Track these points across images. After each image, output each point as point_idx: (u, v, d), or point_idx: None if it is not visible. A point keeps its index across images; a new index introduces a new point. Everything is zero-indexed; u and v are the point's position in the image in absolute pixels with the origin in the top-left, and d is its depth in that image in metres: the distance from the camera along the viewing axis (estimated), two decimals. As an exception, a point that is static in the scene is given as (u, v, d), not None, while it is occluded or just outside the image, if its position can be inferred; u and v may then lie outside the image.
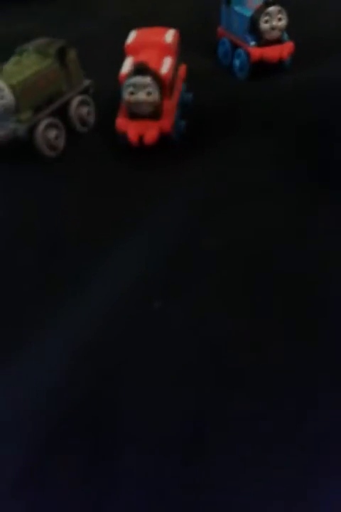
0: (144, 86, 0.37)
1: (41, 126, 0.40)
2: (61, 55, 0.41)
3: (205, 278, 0.30)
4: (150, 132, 0.38)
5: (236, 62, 0.51)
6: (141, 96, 0.37)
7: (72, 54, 0.42)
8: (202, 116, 0.45)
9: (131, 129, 0.39)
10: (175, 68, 0.41)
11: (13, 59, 0.40)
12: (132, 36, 0.42)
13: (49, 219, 0.36)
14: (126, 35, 0.64)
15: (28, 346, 0.26)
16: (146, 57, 0.39)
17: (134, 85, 0.37)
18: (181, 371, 0.25)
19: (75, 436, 0.22)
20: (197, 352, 0.25)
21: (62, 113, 0.42)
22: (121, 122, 0.40)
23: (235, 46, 0.51)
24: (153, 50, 0.40)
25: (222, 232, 0.33)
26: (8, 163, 0.41)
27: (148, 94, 0.37)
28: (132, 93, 0.38)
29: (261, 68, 0.49)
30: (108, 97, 0.45)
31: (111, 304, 0.28)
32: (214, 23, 0.58)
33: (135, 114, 0.39)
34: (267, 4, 0.46)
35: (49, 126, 0.41)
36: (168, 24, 0.46)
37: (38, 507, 0.20)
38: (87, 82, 0.44)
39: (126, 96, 0.38)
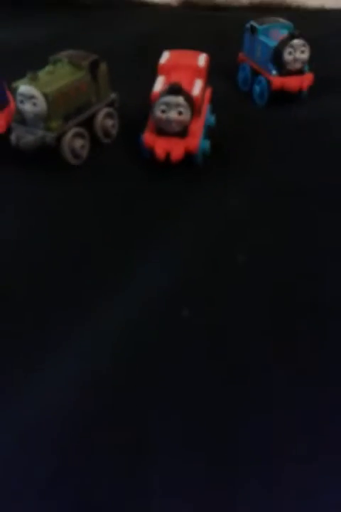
0: (176, 105, 0.38)
1: (69, 135, 0.41)
2: (93, 68, 0.42)
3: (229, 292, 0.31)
4: (177, 149, 0.40)
5: (257, 89, 0.52)
6: (173, 115, 0.39)
7: (103, 68, 0.43)
8: (222, 138, 0.46)
9: (158, 145, 0.40)
10: (204, 90, 0.43)
11: (47, 68, 0.41)
12: (165, 57, 0.43)
13: (72, 228, 0.36)
14: (140, 52, 0.65)
15: (56, 351, 0.27)
16: (179, 78, 0.40)
17: (167, 104, 0.39)
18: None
19: (105, 438, 0.23)
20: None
21: (87, 123, 0.43)
22: (149, 137, 0.41)
23: (256, 73, 0.52)
24: (185, 72, 0.41)
25: (247, 249, 0.34)
26: (33, 169, 0.42)
27: (180, 113, 0.39)
28: (164, 111, 0.39)
29: (279, 96, 0.51)
30: (124, 111, 0.47)
31: (136, 313, 0.30)
32: (231, 48, 0.61)
33: (163, 131, 0.40)
34: (292, 37, 0.48)
35: (76, 135, 0.42)
36: (184, 45, 0.48)
37: (68, 508, 0.21)
38: (113, 96, 0.46)
39: (157, 113, 0.39)
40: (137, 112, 0.48)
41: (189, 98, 0.39)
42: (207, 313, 0.29)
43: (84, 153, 0.43)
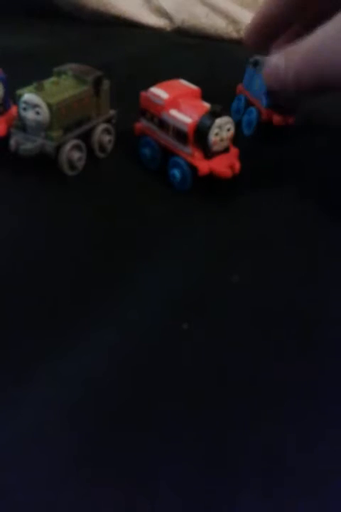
0: (226, 123, 0.41)
1: (67, 146, 0.42)
2: (97, 84, 0.43)
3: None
4: (236, 163, 0.42)
5: (245, 118, 0.54)
6: (225, 134, 0.41)
7: (105, 84, 0.44)
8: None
9: (218, 165, 0.42)
10: None
11: (52, 79, 0.42)
12: (160, 91, 0.43)
13: (69, 239, 0.37)
14: (138, 71, 0.67)
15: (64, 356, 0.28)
16: (195, 103, 0.42)
17: (219, 127, 0.40)
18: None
19: (119, 435, 0.24)
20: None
21: (85, 137, 0.44)
22: (205, 164, 0.41)
23: (249, 104, 0.55)
24: (191, 98, 0.43)
25: (245, 270, 0.36)
26: (29, 176, 0.42)
27: (228, 130, 0.41)
28: (217, 134, 0.41)
29: (268, 130, 0.53)
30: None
31: (140, 324, 0.31)
32: (220, 76, 0.63)
33: (211, 152, 0.41)
34: None
35: (74, 147, 0.42)
36: (176, 70, 0.49)
37: (86, 499, 0.22)
38: (111, 112, 0.47)
39: (212, 138, 0.40)
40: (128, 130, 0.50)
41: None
42: (206, 328, 0.31)
43: (81, 165, 0.44)
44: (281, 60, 0.40)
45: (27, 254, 0.35)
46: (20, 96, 0.40)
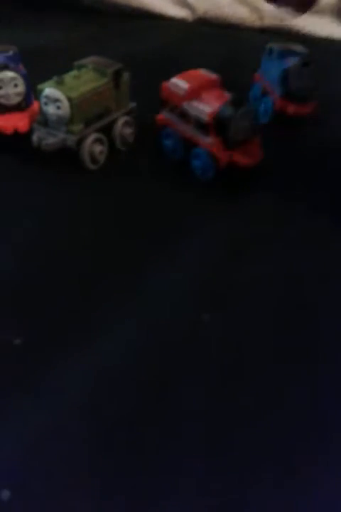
0: (248, 113, 0.41)
1: (89, 140, 0.42)
2: (117, 76, 0.43)
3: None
4: (258, 152, 0.42)
5: (261, 107, 0.54)
6: (247, 123, 0.41)
7: (125, 77, 0.44)
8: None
9: (240, 155, 0.41)
10: None
11: (73, 73, 0.42)
12: (181, 82, 0.43)
13: (91, 231, 0.37)
14: (159, 63, 0.66)
15: (81, 351, 0.28)
16: (215, 93, 0.42)
17: (241, 116, 0.40)
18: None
19: (133, 432, 0.24)
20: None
21: (106, 130, 0.44)
22: (226, 154, 0.41)
23: (265, 93, 0.54)
24: (211, 87, 0.43)
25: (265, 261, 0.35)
26: (51, 170, 0.42)
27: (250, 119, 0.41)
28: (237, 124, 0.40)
29: (281, 119, 0.52)
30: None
31: (159, 316, 0.30)
32: (241, 66, 0.62)
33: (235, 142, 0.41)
34: (302, 63, 0.49)
35: (96, 140, 0.42)
36: (198, 60, 0.49)
37: (102, 496, 0.22)
38: (132, 105, 0.46)
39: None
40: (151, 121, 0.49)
41: None
42: (222, 326, 0.30)
43: (102, 158, 0.44)
44: None
45: (49, 246, 0.36)
46: (41, 91, 0.40)
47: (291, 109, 0.51)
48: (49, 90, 0.40)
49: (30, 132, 0.42)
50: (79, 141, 0.41)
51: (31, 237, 0.36)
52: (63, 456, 0.23)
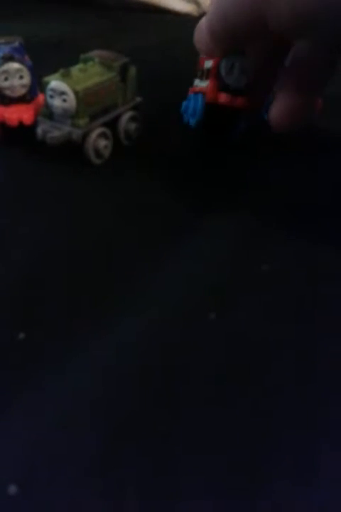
0: None
1: (94, 134, 0.41)
2: (123, 70, 0.43)
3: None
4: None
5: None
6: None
7: (132, 71, 0.44)
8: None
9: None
10: None
11: (79, 66, 0.42)
12: None
13: (95, 227, 0.37)
14: (165, 57, 0.66)
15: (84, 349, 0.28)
16: None
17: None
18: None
19: (140, 428, 0.24)
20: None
21: (112, 124, 0.44)
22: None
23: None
24: None
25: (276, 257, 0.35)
26: (55, 163, 0.42)
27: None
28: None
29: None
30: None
31: (167, 312, 0.30)
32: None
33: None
34: None
35: (101, 135, 0.42)
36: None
37: (110, 493, 0.22)
38: (138, 100, 0.46)
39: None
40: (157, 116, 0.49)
41: None
42: (228, 324, 0.30)
43: (107, 153, 0.43)
44: (203, 19, 0.38)
45: (54, 239, 0.35)
46: (46, 83, 0.40)
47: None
48: (55, 83, 0.39)
49: (34, 125, 0.42)
50: (84, 135, 0.41)
51: (36, 230, 0.36)
52: (70, 451, 0.23)
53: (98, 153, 0.42)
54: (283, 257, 0.35)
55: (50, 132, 0.40)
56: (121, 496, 0.21)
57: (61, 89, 0.39)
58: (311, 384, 0.27)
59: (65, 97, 0.39)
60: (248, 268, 0.34)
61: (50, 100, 0.40)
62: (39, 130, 0.41)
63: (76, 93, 0.39)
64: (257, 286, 0.33)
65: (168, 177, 0.43)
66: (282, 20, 0.31)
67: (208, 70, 0.43)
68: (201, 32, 0.38)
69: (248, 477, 0.23)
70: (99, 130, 0.42)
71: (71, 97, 0.39)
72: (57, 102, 0.39)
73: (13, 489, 0.21)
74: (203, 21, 0.38)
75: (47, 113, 0.41)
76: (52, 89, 0.39)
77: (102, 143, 0.42)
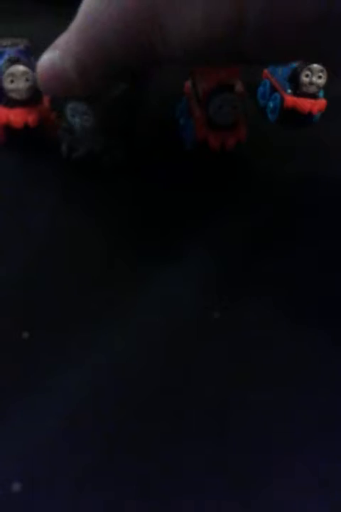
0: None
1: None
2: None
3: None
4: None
5: (270, 104, 0.54)
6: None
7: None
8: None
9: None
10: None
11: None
12: None
13: (97, 226, 0.38)
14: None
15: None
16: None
17: None
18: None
19: (144, 430, 0.25)
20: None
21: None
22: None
23: (274, 90, 0.54)
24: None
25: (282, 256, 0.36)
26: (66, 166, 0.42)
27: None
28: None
29: (291, 116, 0.52)
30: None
31: (169, 313, 0.31)
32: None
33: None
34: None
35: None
36: None
37: (113, 492, 0.22)
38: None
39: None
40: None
41: None
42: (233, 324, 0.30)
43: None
44: (55, 53, 0.32)
45: (60, 240, 0.36)
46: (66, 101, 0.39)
47: (301, 105, 0.51)
48: (75, 103, 0.39)
49: (39, 127, 0.42)
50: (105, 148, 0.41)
51: (43, 232, 0.36)
52: (72, 450, 0.23)
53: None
54: (287, 259, 0.35)
55: (76, 151, 0.41)
56: (121, 496, 0.22)
57: (82, 110, 0.39)
58: (313, 384, 0.27)
59: (86, 117, 0.39)
60: (251, 270, 0.34)
61: (71, 119, 0.40)
62: (63, 147, 0.41)
63: (96, 110, 0.39)
64: (260, 289, 0.33)
65: (179, 177, 0.43)
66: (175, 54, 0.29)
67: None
68: (55, 70, 0.33)
69: (249, 477, 0.23)
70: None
71: (92, 117, 0.39)
72: (79, 121, 0.39)
73: (16, 486, 0.22)
74: (54, 56, 0.33)
75: (68, 128, 0.41)
76: (73, 109, 0.39)
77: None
